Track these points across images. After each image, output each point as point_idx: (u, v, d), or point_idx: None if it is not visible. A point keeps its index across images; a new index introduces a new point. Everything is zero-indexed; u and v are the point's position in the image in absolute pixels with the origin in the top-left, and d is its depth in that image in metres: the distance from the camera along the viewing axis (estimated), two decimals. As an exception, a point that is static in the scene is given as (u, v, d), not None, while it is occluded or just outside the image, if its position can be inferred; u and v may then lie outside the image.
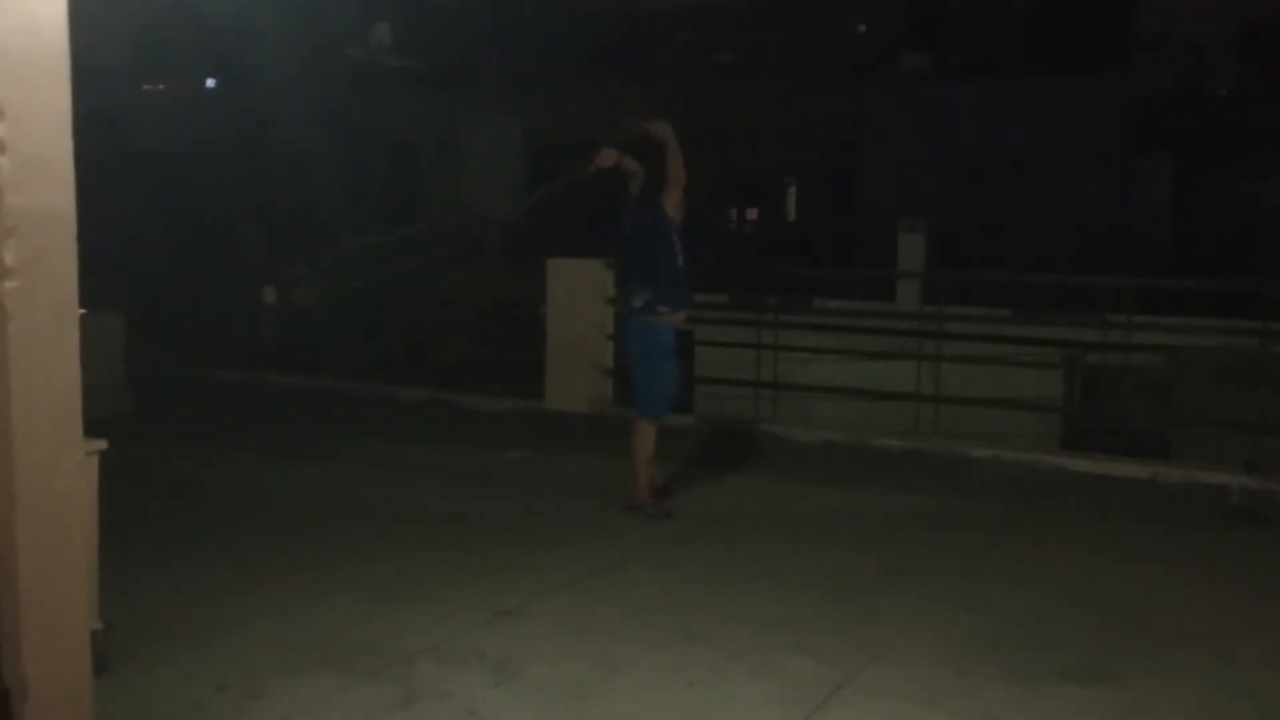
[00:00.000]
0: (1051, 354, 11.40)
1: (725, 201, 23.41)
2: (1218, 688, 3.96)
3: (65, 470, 3.03)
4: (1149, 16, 19.44)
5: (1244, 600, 4.88)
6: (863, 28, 23.09)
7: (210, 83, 26.45)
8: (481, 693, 3.84)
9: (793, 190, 23.54)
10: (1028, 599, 4.83)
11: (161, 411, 8.63)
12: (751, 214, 24.09)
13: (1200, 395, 9.45)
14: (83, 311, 3.23)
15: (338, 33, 23.26)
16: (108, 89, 21.09)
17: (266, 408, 9.44)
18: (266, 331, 13.59)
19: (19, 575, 2.95)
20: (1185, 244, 17.39)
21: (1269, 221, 16.75)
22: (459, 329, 13.59)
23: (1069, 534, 5.88)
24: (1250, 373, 7.80)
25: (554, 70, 22.12)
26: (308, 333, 13.06)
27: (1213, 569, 5.32)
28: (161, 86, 26.06)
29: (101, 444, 3.71)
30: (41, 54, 2.88)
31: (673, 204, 5.87)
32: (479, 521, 5.97)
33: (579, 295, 8.95)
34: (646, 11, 22.58)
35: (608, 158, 5.80)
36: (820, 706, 3.75)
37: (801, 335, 9.76)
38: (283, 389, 10.15)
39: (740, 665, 4.07)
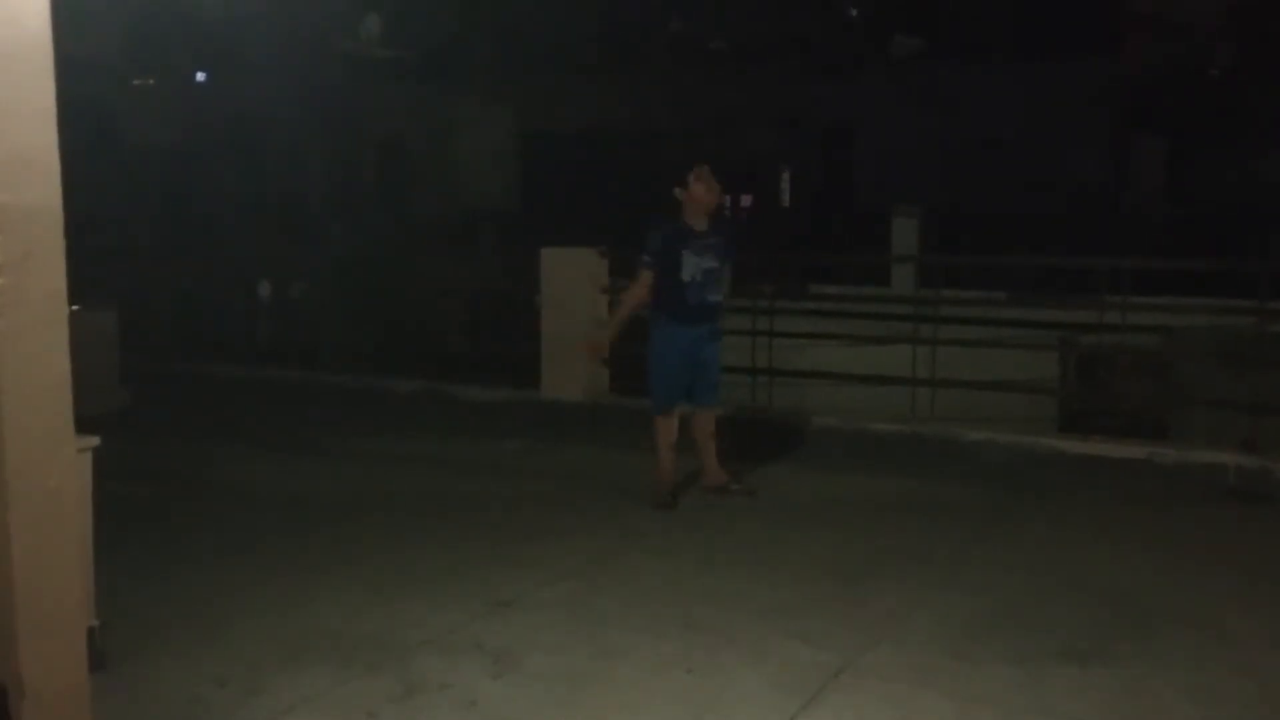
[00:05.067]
0: (1047, 336, 11.38)
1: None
2: (1216, 666, 3.96)
3: (58, 467, 3.02)
4: (1141, -3, 19.43)
5: (1241, 579, 4.89)
6: (855, 13, 23.05)
7: (200, 76, 26.34)
8: (481, 684, 3.83)
9: (787, 176, 23.53)
10: (1025, 581, 4.83)
11: (157, 407, 8.61)
12: (746, 201, 24.07)
13: (1197, 375, 9.43)
14: (75, 307, 3.21)
15: (327, 25, 23.17)
16: (97, 84, 21.01)
17: (262, 402, 9.42)
18: (261, 325, 13.56)
19: (14, 573, 2.94)
20: (1179, 224, 17.39)
21: (1263, 201, 16.75)
22: (454, 320, 13.56)
23: (1066, 516, 5.89)
24: (1247, 352, 7.79)
25: (545, 59, 22.06)
26: (302, 326, 13.03)
27: (1210, 548, 5.33)
28: (151, 81, 25.97)
29: (95, 440, 3.69)
30: (24, 48, 2.85)
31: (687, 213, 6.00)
32: (476, 512, 5.96)
33: (574, 284, 8.92)
34: (638, -1, 22.51)
35: None
36: (820, 691, 3.75)
37: (796, 321, 9.73)
38: (278, 383, 10.13)
39: (740, 651, 4.07)
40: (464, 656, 4.04)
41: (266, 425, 8.41)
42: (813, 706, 3.66)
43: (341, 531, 5.59)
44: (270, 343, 12.53)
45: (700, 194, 5.99)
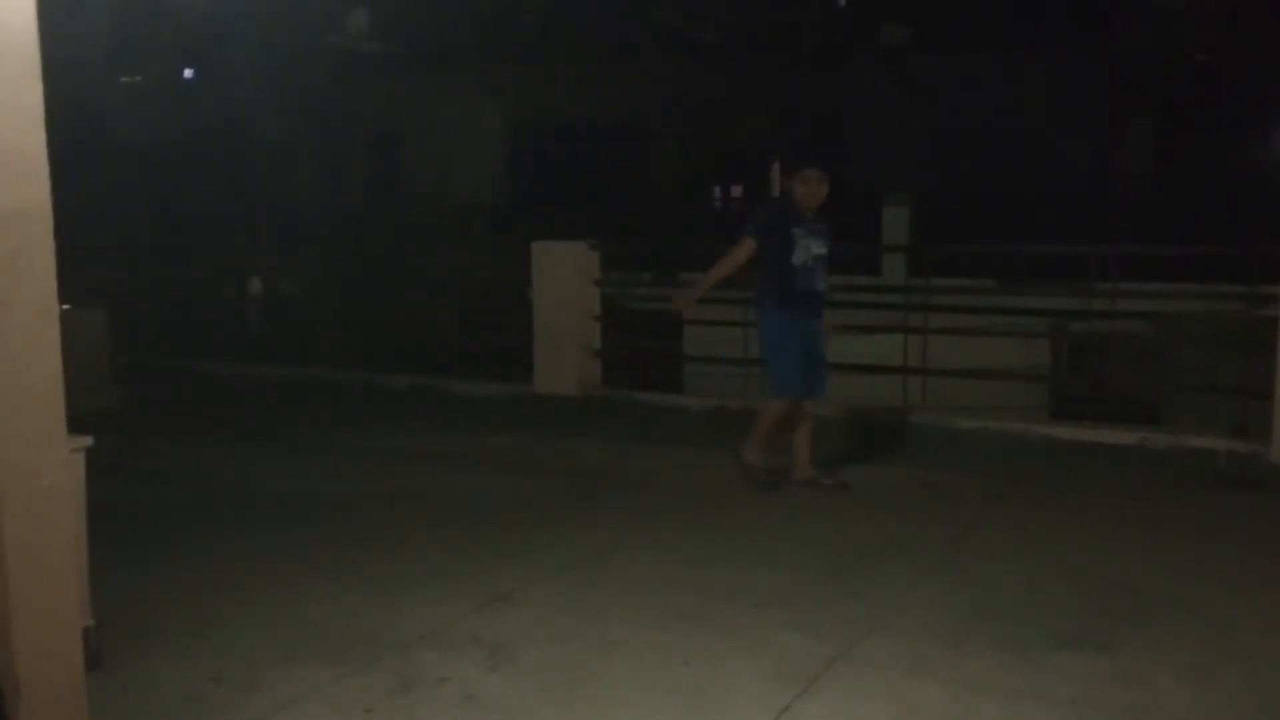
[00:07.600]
0: (1038, 324, 11.42)
1: (709, 179, 23.40)
2: (1208, 651, 3.98)
3: (51, 467, 3.01)
4: (1129, -17, 19.45)
5: (1233, 564, 4.91)
6: (843, 2, 23.04)
7: (188, 73, 26.24)
8: (478, 678, 3.84)
9: (776, 167, 23.51)
10: (1019, 568, 4.85)
11: (149, 405, 8.60)
12: (736, 191, 24.06)
13: (1187, 361, 9.48)
14: (65, 307, 3.20)
15: (315, 20, 23.07)
16: (85, 81, 20.90)
17: (254, 399, 9.41)
18: (252, 322, 13.56)
19: (8, 573, 2.94)
20: (1168, 210, 17.45)
21: (1251, 186, 16.79)
22: (446, 314, 13.56)
23: (1058, 502, 5.91)
24: (1236, 337, 7.83)
25: (534, 51, 22.01)
26: (294, 322, 13.03)
27: (1201, 533, 5.35)
28: (139, 78, 25.85)
29: (87, 440, 3.68)
30: (9, 46, 2.84)
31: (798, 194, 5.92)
32: (471, 507, 5.97)
33: (565, 277, 8.93)
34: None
35: None
36: (815, 681, 3.76)
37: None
38: (270, 380, 10.12)
39: (735, 643, 4.08)
40: (461, 650, 4.05)
41: (259, 422, 8.40)
42: (809, 696, 3.67)
43: (336, 527, 5.58)
44: (262, 339, 12.52)
45: (801, 195, 5.91)
